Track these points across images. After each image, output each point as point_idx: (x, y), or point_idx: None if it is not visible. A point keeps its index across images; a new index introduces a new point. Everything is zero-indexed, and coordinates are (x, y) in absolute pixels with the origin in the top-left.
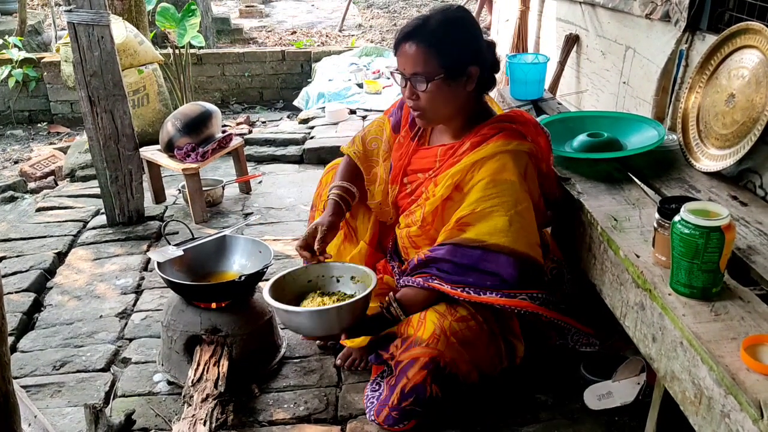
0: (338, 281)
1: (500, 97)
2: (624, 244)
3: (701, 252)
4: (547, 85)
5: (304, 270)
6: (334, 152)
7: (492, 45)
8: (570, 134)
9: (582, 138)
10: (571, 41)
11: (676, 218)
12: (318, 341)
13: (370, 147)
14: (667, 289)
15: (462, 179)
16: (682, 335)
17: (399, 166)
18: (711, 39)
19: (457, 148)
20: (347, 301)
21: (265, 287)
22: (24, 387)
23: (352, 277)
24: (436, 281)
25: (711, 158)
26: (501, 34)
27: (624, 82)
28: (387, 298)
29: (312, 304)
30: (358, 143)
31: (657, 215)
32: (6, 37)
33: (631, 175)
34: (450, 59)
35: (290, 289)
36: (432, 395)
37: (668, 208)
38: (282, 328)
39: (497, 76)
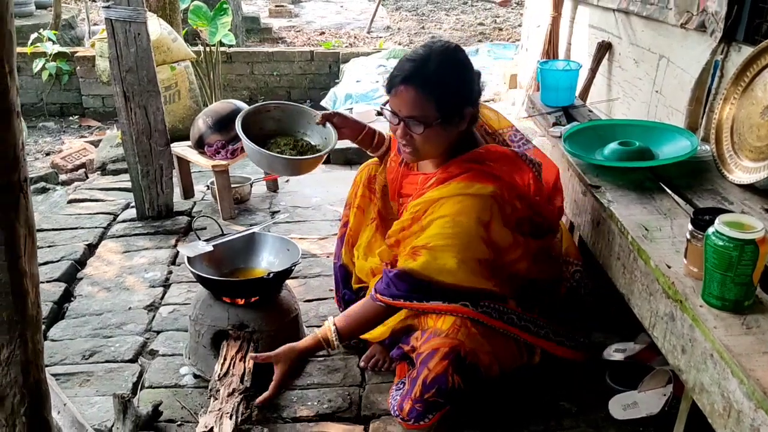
0: (307, 132)
1: (530, 103)
2: (655, 254)
3: (735, 265)
4: (577, 92)
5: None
6: (360, 153)
7: (479, 74)
8: (600, 142)
9: (613, 146)
10: (603, 49)
11: (710, 230)
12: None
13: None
14: (698, 301)
15: (422, 212)
16: (712, 347)
17: (393, 188)
18: (747, 50)
19: (429, 179)
20: (307, 156)
21: (240, 114)
22: (54, 375)
23: (324, 138)
24: (379, 295)
25: (744, 170)
26: (531, 39)
27: (657, 91)
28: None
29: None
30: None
31: (690, 226)
32: (41, 30)
33: (662, 185)
34: (447, 105)
35: (268, 120)
36: (454, 386)
37: (702, 219)
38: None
39: (530, 81)
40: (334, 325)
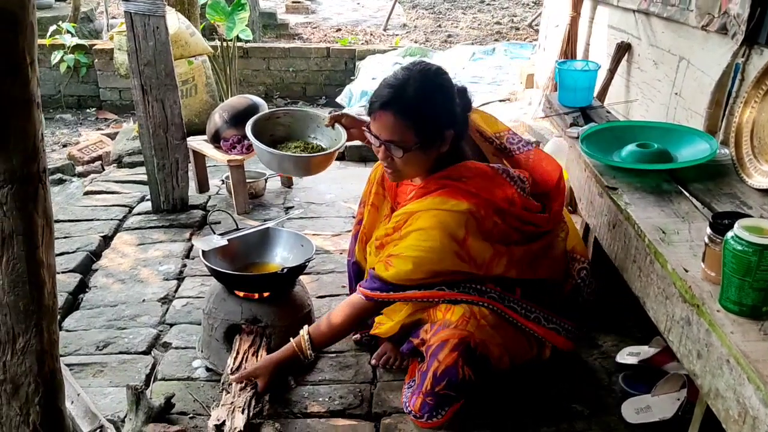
0: (317, 135)
1: (548, 103)
2: (672, 257)
3: (753, 270)
4: (595, 93)
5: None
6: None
7: (463, 92)
8: (618, 144)
9: (631, 148)
10: (623, 49)
11: (729, 234)
12: (354, 336)
13: None
14: (715, 306)
15: (402, 222)
16: (729, 353)
17: (392, 195)
18: None
19: (413, 191)
20: (316, 153)
21: (250, 121)
22: (68, 365)
23: (334, 139)
24: (361, 289)
25: (764, 175)
26: (549, 39)
27: (676, 94)
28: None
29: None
30: None
31: (709, 230)
32: (60, 22)
33: (680, 188)
34: (426, 131)
35: (278, 126)
36: (464, 378)
37: (721, 223)
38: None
39: (547, 81)
40: (308, 333)
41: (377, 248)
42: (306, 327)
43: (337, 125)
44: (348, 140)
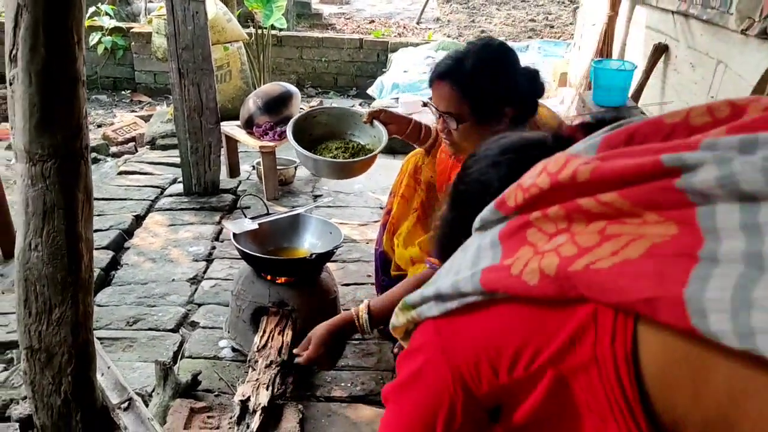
0: (356, 132)
1: (581, 102)
2: None
3: None
4: (630, 93)
5: (349, 114)
6: (404, 142)
7: (533, 75)
8: None
9: None
10: (660, 51)
11: None
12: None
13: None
14: None
15: None
16: None
17: (442, 179)
18: None
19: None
20: (358, 158)
21: (290, 123)
22: (99, 339)
23: (373, 136)
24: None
25: None
26: (585, 38)
27: (712, 97)
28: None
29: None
30: None
31: None
32: (99, 4)
33: None
34: (482, 104)
35: (317, 126)
36: None
37: None
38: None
39: (581, 80)
40: (368, 306)
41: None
42: (367, 300)
43: (375, 122)
44: (399, 121)
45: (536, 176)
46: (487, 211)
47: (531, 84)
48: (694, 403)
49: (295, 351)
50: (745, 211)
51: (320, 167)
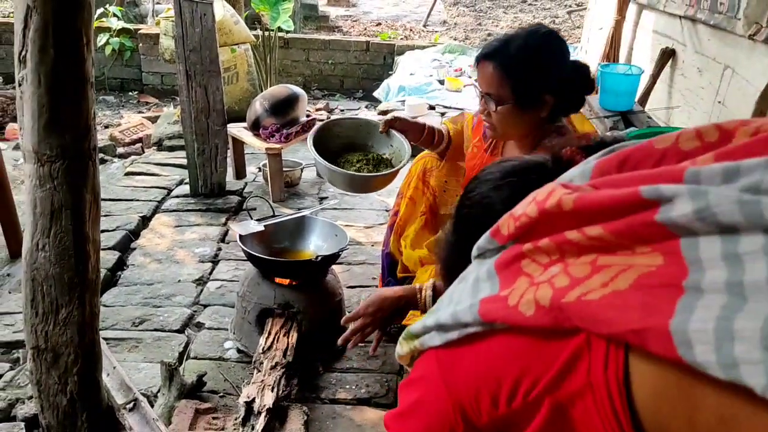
0: (374, 143)
1: (588, 106)
2: None
3: None
4: (636, 98)
5: (367, 124)
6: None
7: (582, 68)
8: None
9: None
10: (667, 55)
11: None
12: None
13: (457, 127)
14: None
15: None
16: None
17: (472, 174)
18: None
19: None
20: (380, 173)
21: (311, 134)
22: (104, 339)
23: (390, 145)
24: None
25: None
26: (592, 42)
27: (719, 102)
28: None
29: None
30: (459, 123)
31: None
32: (107, 5)
33: None
34: (522, 88)
35: (333, 138)
36: None
37: None
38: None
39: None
40: (433, 285)
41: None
42: (432, 280)
43: (392, 131)
44: (413, 129)
45: (526, 205)
46: (483, 240)
47: (579, 78)
48: (686, 429)
49: (345, 318)
50: (726, 241)
51: (355, 183)
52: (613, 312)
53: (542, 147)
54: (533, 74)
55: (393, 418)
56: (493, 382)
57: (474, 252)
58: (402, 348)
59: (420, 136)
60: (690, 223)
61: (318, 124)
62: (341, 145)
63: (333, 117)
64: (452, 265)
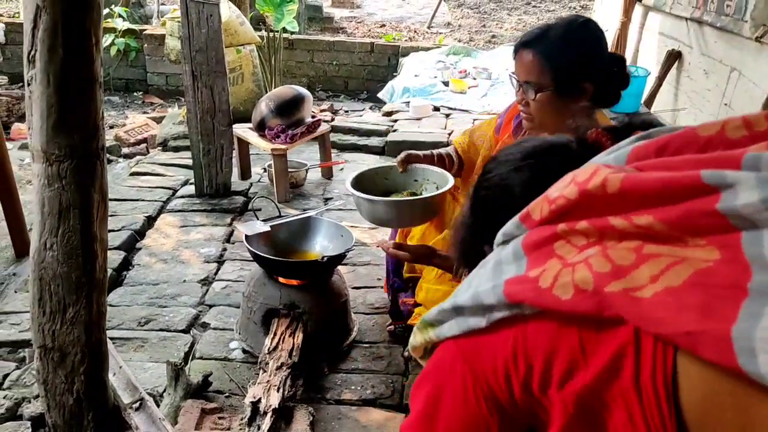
0: (417, 183)
1: None
2: None
3: None
4: (642, 100)
5: (387, 169)
6: (416, 147)
7: (619, 61)
8: None
9: None
10: (673, 57)
11: None
12: (388, 326)
13: (476, 142)
14: None
15: None
16: None
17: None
18: None
19: None
20: (421, 196)
21: (348, 179)
22: (110, 339)
23: (435, 183)
24: None
25: None
26: None
27: (725, 104)
28: None
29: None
30: (466, 135)
31: None
32: (112, 6)
33: None
34: (562, 75)
35: (372, 186)
36: None
37: None
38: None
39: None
40: None
41: None
42: None
43: (410, 166)
44: (428, 157)
45: (564, 187)
46: (510, 225)
47: (616, 69)
48: None
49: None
50: None
51: (415, 209)
52: (666, 311)
53: (565, 128)
54: (573, 60)
55: (413, 424)
56: (523, 367)
57: (498, 238)
58: (415, 338)
59: (431, 164)
60: (755, 214)
61: (352, 178)
62: (384, 190)
63: (352, 174)
64: (468, 248)
